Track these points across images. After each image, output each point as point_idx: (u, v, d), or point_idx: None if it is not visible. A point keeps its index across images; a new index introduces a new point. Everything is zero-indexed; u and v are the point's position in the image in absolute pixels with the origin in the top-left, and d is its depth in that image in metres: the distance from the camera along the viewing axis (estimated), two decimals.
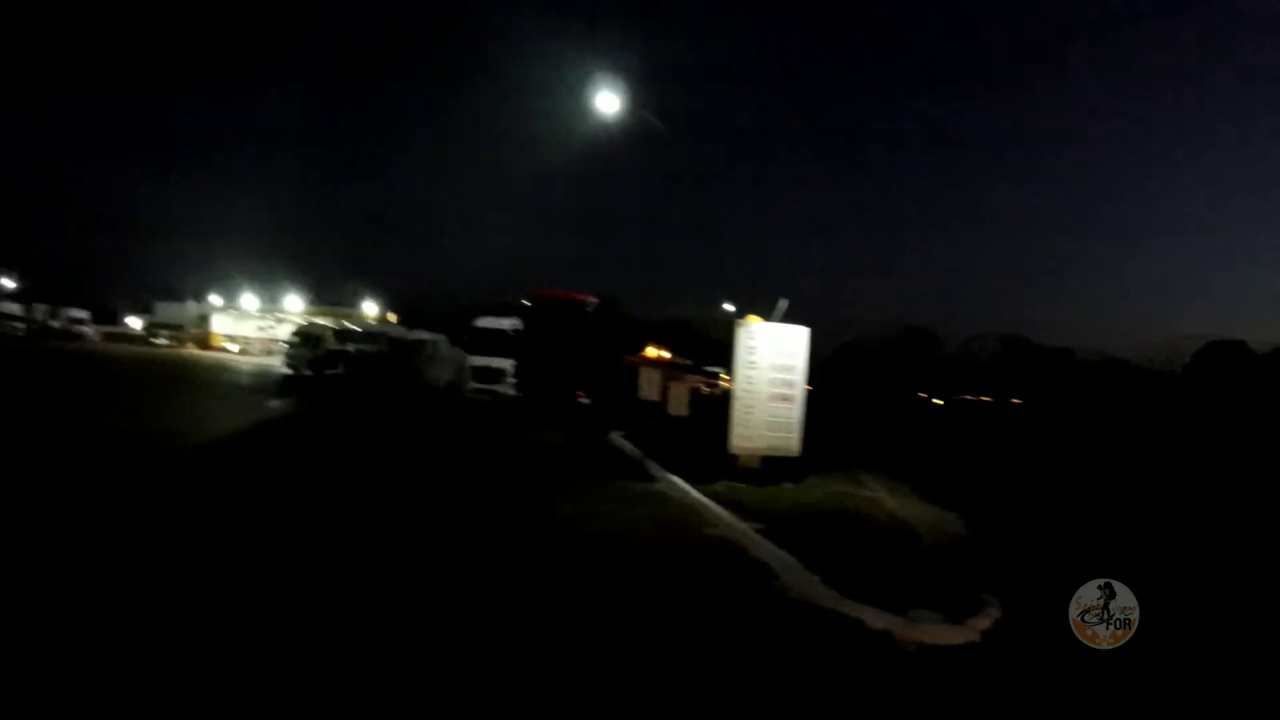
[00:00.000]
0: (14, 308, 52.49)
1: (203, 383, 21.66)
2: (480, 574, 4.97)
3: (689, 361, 29.97)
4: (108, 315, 59.00)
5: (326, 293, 53.52)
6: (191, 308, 53.24)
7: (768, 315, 10.20)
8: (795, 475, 9.43)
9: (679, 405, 19.17)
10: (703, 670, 3.75)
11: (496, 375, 21.44)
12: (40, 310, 54.72)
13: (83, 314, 56.20)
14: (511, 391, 20.61)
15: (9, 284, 56.41)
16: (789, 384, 9.56)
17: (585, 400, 18.72)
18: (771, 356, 9.47)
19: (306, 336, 28.58)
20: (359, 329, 31.59)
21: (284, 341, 31.48)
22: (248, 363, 36.48)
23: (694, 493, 8.13)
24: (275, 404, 16.41)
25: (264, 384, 22.20)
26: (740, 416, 9.30)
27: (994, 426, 32.06)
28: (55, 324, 53.28)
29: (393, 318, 43.69)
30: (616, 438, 12.90)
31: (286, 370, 27.24)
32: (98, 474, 6.89)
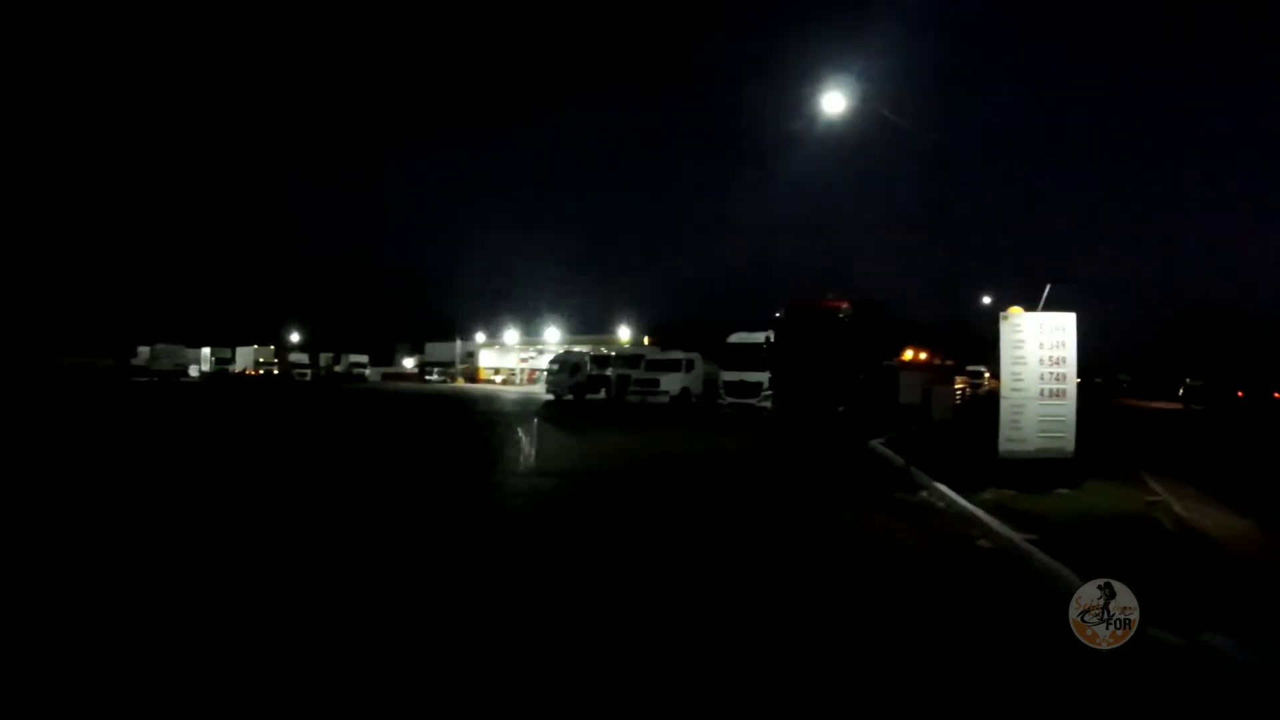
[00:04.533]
0: (301, 356, 60.69)
1: (478, 411, 22.83)
2: (756, 578, 5.07)
3: (951, 362, 27.88)
4: (385, 357, 66.98)
5: (586, 322, 55.41)
6: (459, 345, 58.47)
7: (1031, 306, 9.43)
8: (1070, 480, 8.58)
9: (942, 409, 18.65)
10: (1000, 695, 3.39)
11: (752, 389, 21.44)
12: (325, 357, 63.28)
13: (362, 359, 64.57)
14: (767, 405, 20.52)
15: (294, 336, 65.44)
16: (1060, 378, 8.80)
17: (843, 409, 18.48)
18: (1040, 349, 8.78)
19: (564, 364, 29.96)
20: (615, 353, 32.59)
21: (544, 370, 33.44)
22: (513, 392, 39.80)
23: (962, 502, 7.74)
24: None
25: (528, 410, 22.36)
26: (1009, 418, 8.76)
27: None
28: (339, 369, 61.69)
29: (647, 341, 44.46)
30: (878, 446, 12.52)
31: (548, 396, 29.11)
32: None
